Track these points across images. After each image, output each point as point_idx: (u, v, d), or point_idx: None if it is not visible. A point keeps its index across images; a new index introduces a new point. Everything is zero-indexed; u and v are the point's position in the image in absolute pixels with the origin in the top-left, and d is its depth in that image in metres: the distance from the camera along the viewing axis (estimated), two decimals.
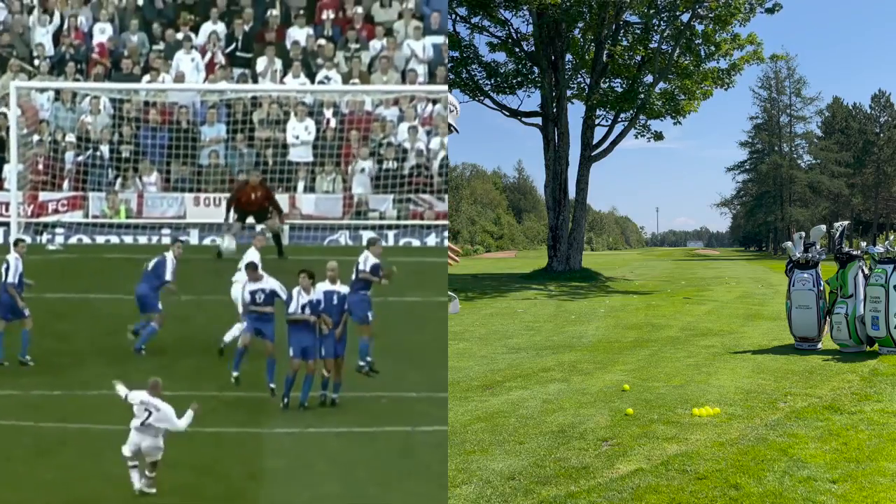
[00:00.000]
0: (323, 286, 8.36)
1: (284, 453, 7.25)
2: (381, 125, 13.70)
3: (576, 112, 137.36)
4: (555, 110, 34.65)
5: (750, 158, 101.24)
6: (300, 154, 13.91)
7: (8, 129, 13.43)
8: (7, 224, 13.14)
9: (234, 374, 8.39)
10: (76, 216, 13.78)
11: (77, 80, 14.39)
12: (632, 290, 28.03)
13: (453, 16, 35.15)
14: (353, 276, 8.75)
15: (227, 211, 12.48)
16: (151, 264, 9.40)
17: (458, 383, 9.72)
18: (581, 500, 5.41)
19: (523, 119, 36.67)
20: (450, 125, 5.74)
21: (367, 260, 8.85)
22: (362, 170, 13.58)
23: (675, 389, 8.88)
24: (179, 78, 14.34)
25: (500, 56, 39.07)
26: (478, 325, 16.96)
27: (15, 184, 12.98)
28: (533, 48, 35.44)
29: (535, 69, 35.88)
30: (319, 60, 14.37)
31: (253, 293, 8.58)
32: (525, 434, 7.09)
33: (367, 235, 12.15)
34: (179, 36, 14.73)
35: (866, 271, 11.52)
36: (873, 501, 5.22)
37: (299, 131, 13.93)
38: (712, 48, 34.74)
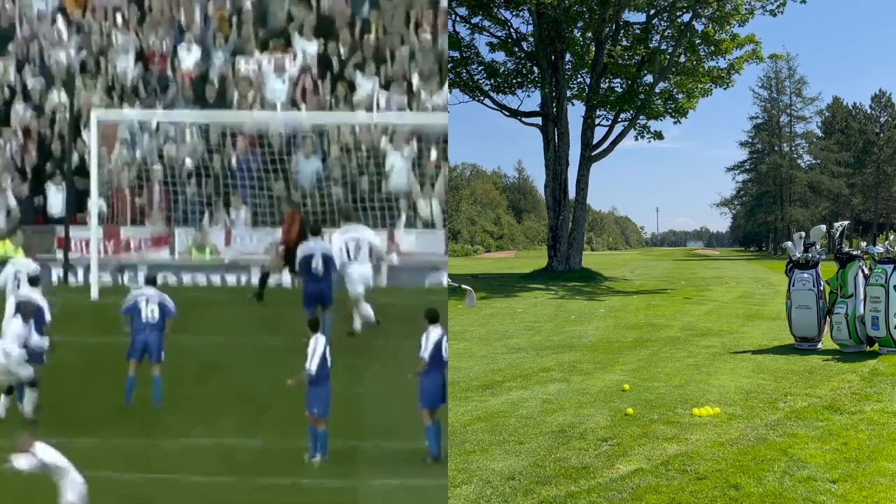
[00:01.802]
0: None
1: None
2: None
3: (576, 112, 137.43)
4: (555, 110, 34.64)
5: (750, 158, 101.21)
6: (399, 184, 12.65)
7: (88, 154, 12.23)
8: (87, 263, 11.76)
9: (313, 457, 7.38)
10: (161, 254, 12.76)
11: (161, 107, 13.23)
12: (632, 290, 28.03)
13: (453, 16, 35.16)
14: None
15: (286, 253, 11.04)
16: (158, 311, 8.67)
17: (458, 383, 9.72)
18: (581, 500, 5.41)
19: (523, 119, 36.67)
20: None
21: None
22: None
23: (675, 389, 8.88)
24: (270, 105, 13.27)
25: (500, 56, 39.03)
26: (478, 325, 16.96)
27: (95, 220, 11.64)
28: (533, 48, 35.44)
29: (535, 69, 35.88)
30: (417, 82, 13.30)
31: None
32: (525, 434, 7.09)
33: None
34: (270, 60, 13.62)
35: (866, 271, 11.52)
36: (873, 501, 5.22)
37: (396, 159, 12.76)
38: (712, 48, 34.75)
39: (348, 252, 9.92)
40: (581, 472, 5.92)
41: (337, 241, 9.92)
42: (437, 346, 7.27)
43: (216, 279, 12.10)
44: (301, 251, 9.91)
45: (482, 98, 36.52)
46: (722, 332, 14.47)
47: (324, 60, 13.66)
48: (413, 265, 11.81)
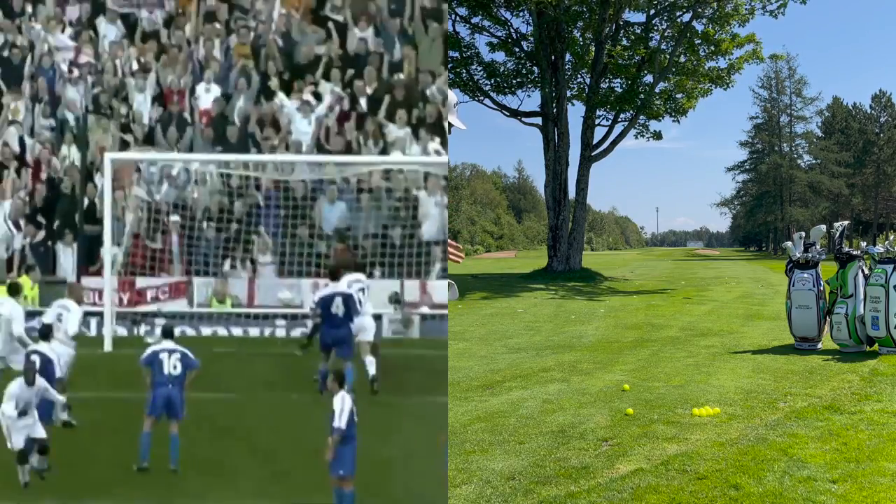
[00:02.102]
0: None
1: None
2: None
3: (576, 112, 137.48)
4: (555, 110, 34.65)
5: (750, 158, 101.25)
6: (432, 232, 11.87)
7: (101, 197, 11.37)
8: (101, 313, 11.10)
9: None
10: (179, 304, 11.97)
11: (178, 149, 12.46)
12: (632, 290, 28.03)
13: (453, 16, 35.16)
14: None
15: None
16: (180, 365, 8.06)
17: (458, 383, 9.72)
18: (581, 500, 5.41)
19: (523, 119, 36.67)
20: (449, 123, 5.52)
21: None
22: None
23: (675, 389, 8.87)
24: (295, 146, 12.39)
25: (500, 56, 39.05)
26: (478, 325, 16.96)
27: (109, 268, 10.97)
28: (533, 48, 35.44)
29: (536, 69, 35.88)
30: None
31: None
32: (525, 434, 7.09)
33: None
34: (295, 100, 12.66)
35: (866, 271, 11.51)
36: (873, 501, 5.22)
37: (428, 206, 11.96)
38: (712, 48, 34.75)
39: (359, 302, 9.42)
40: (581, 472, 5.92)
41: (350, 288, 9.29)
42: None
43: (237, 331, 11.52)
44: (318, 295, 9.34)
45: (482, 98, 36.54)
46: (722, 332, 14.47)
47: (351, 101, 12.67)
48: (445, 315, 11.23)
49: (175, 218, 12.14)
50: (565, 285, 29.29)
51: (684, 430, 7.04)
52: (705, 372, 10.02)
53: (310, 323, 9.38)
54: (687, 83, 35.35)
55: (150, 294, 12.02)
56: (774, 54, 40.96)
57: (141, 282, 12.04)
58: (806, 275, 12.00)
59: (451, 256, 5.04)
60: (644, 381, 9.49)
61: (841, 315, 11.27)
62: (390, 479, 7.04)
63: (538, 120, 35.73)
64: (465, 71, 35.52)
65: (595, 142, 35.75)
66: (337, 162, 11.47)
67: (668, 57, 34.47)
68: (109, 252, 10.97)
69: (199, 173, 12.27)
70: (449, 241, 5.23)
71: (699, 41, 34.90)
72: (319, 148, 12.41)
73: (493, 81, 36.48)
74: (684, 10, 34.64)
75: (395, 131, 12.32)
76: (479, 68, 36.29)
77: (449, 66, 30.03)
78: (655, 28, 35.75)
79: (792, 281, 12.16)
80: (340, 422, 6.72)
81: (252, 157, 11.89)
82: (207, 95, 12.86)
